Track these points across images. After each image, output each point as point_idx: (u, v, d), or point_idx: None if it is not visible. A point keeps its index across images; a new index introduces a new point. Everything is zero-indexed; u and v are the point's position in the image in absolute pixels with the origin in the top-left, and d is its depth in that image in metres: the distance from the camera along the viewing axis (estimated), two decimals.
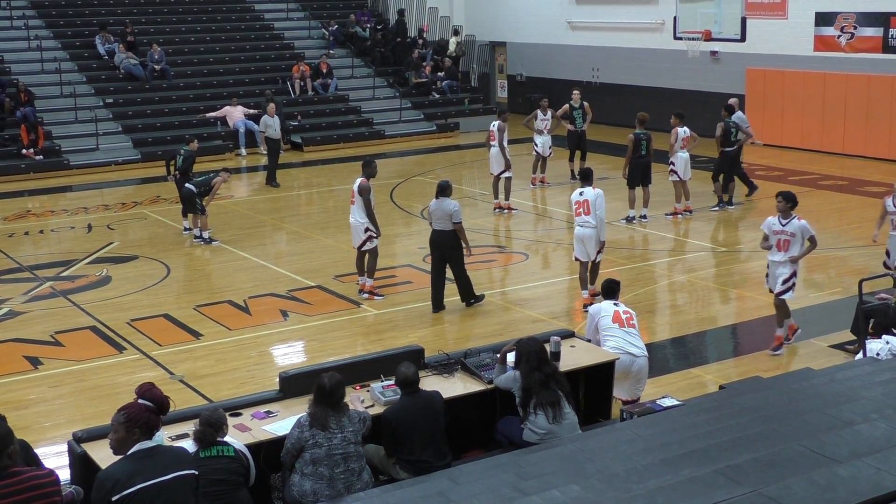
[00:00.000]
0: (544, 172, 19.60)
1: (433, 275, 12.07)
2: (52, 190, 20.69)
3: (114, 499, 4.90)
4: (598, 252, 12.20)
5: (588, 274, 12.29)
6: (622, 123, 23.94)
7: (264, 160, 23.63)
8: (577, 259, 12.31)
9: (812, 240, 10.32)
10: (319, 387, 6.54)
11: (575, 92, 20.05)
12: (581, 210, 12.05)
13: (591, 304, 11.68)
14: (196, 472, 5.23)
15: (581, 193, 12.11)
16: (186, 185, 15.50)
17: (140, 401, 5.16)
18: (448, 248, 11.83)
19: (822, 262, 14.44)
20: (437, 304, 12.06)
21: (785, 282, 10.32)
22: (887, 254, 11.77)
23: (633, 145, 16.16)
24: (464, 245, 11.81)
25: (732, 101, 17.84)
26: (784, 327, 10.52)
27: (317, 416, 6.46)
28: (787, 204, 10.39)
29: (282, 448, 6.66)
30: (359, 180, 12.31)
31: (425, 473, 6.62)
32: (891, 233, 11.62)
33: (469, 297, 12.18)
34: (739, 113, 17.93)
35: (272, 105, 20.58)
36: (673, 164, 16.61)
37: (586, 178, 12.45)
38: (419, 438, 6.83)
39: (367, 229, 12.31)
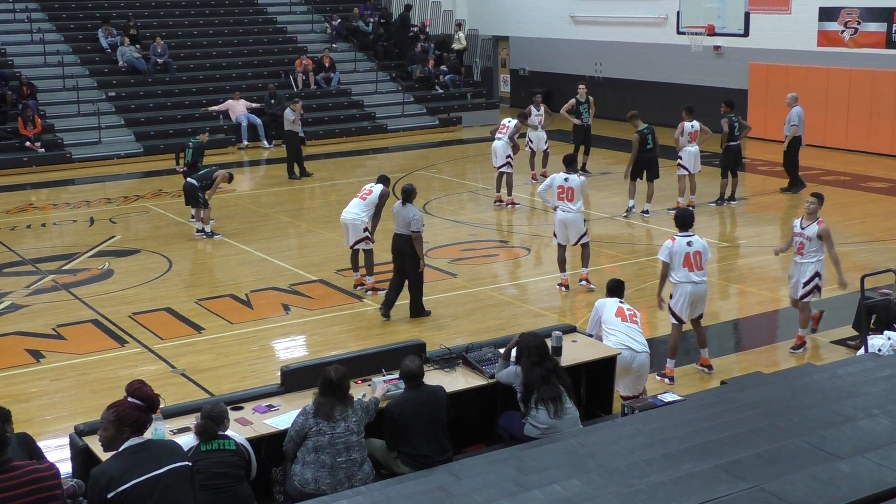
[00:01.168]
0: (546, 167, 19.57)
1: (393, 276, 11.71)
2: (54, 183, 20.69)
3: (109, 496, 4.90)
4: (584, 235, 12.50)
5: (579, 258, 12.66)
6: (625, 118, 23.92)
7: (267, 154, 23.81)
8: (558, 243, 12.59)
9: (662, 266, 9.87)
10: (326, 379, 6.57)
11: (581, 87, 20.04)
12: (565, 196, 12.38)
13: (567, 284, 12.51)
14: (190, 464, 5.23)
15: (566, 179, 12.44)
16: (188, 178, 15.50)
17: (130, 399, 5.15)
18: (406, 255, 11.41)
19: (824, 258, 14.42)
20: (387, 307, 11.60)
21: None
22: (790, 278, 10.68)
23: (639, 143, 16.16)
24: (419, 257, 11.35)
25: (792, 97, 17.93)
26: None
27: (322, 407, 6.49)
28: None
29: (283, 442, 6.68)
30: (381, 186, 12.53)
31: (426, 468, 6.64)
32: (794, 258, 10.54)
33: (418, 312, 11.63)
34: (799, 108, 17.81)
35: (299, 102, 20.65)
36: (681, 157, 16.61)
37: (571, 164, 12.83)
38: (420, 432, 6.84)
39: (366, 229, 12.33)
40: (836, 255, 10.31)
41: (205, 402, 6.74)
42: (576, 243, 12.53)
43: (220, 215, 16.55)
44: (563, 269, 12.65)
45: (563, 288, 12.59)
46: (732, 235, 15.73)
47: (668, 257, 9.63)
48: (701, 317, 9.86)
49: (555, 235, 12.67)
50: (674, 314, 9.73)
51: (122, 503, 4.91)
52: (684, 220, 9.82)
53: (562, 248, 12.57)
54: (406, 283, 11.61)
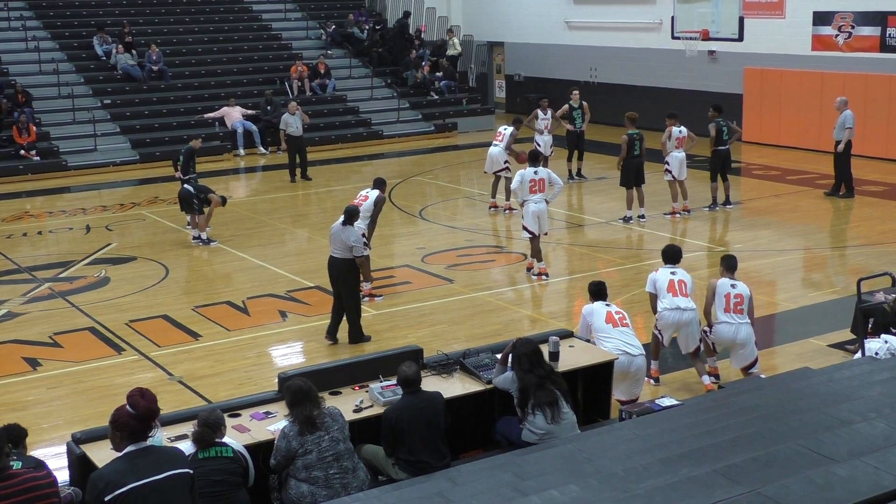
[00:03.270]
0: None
1: (334, 301, 11.14)
2: (50, 191, 20.67)
3: (106, 499, 4.92)
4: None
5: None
6: (620, 123, 23.91)
7: (263, 161, 23.79)
8: (530, 235, 13.24)
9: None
10: (296, 390, 6.55)
11: (574, 92, 20.08)
12: (536, 188, 13.19)
13: (547, 273, 13.36)
14: (191, 472, 5.23)
15: (536, 173, 13.24)
16: (185, 185, 15.51)
17: (127, 407, 5.16)
18: (342, 279, 10.85)
19: (821, 261, 14.47)
20: (331, 333, 11.06)
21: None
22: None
23: (627, 146, 16.19)
24: (367, 279, 10.78)
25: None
26: None
27: (303, 420, 6.46)
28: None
29: (270, 459, 6.65)
30: (376, 191, 12.50)
31: (423, 474, 6.64)
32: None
33: (357, 338, 10.92)
34: (850, 112, 17.76)
35: (293, 103, 21.02)
36: (668, 163, 16.62)
37: (535, 159, 13.67)
38: (418, 438, 6.83)
39: (364, 235, 12.33)
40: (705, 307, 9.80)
41: (201, 410, 6.73)
42: (546, 234, 13.42)
43: (216, 222, 16.52)
44: (540, 259, 13.38)
45: (544, 277, 13.31)
46: (727, 240, 15.74)
47: (652, 288, 9.60)
48: (697, 350, 9.55)
49: (525, 229, 13.27)
50: (660, 334, 9.68)
51: None
52: (670, 255, 9.70)
53: (536, 239, 13.27)
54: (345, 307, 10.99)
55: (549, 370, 7.36)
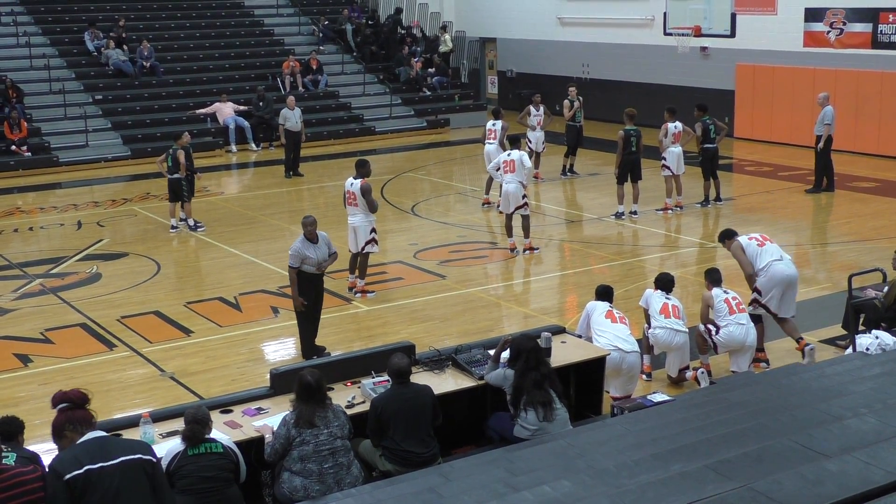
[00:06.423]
0: (538, 168, 19.58)
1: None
2: (41, 187, 20.62)
3: (66, 477, 4.96)
4: (522, 206, 14.01)
5: (512, 225, 14.26)
6: (612, 119, 23.95)
7: (255, 157, 23.75)
8: (500, 211, 14.49)
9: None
10: (304, 385, 6.54)
11: (571, 87, 20.09)
12: (508, 169, 14.06)
13: (515, 247, 14.17)
14: (147, 458, 5.23)
15: (509, 154, 14.21)
16: (193, 172, 15.72)
17: (57, 409, 5.26)
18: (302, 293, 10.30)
19: (812, 257, 14.50)
20: (308, 351, 10.47)
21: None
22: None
23: (623, 142, 16.19)
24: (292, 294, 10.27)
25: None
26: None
27: (303, 415, 6.46)
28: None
29: (265, 451, 6.65)
30: (357, 181, 12.11)
31: (409, 464, 6.69)
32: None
33: (311, 351, 10.39)
34: (831, 107, 17.79)
35: (291, 98, 21.04)
36: (664, 158, 16.64)
37: (515, 142, 14.76)
38: (403, 428, 6.86)
39: (373, 230, 12.25)
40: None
41: (188, 407, 6.72)
42: (513, 212, 14.00)
43: (208, 218, 16.52)
44: (510, 235, 14.28)
45: (511, 251, 14.21)
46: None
47: (645, 304, 9.60)
48: (686, 368, 9.57)
49: (498, 206, 14.63)
50: (651, 348, 9.64)
51: (77, 488, 4.94)
52: (663, 284, 9.63)
53: (507, 217, 14.16)
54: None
55: (549, 370, 7.35)
